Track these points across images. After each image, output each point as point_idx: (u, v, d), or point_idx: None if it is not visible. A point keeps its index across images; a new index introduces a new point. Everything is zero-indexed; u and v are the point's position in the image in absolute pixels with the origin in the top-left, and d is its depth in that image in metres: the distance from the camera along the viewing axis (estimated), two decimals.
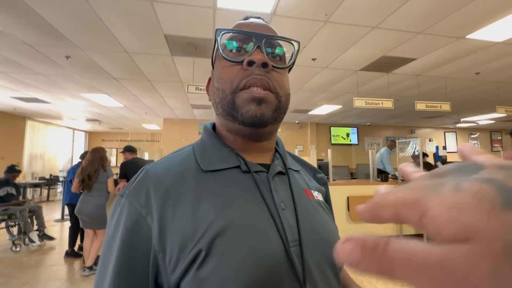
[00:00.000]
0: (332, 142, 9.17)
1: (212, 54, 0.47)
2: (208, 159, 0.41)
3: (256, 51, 0.39)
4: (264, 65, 0.38)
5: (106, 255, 0.35)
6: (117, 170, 3.32)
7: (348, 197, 3.85)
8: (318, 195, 0.48)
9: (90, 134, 11.43)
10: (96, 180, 2.74)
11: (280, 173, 0.44)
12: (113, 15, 2.45)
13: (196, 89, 3.42)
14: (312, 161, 4.26)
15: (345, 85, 4.63)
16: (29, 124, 7.93)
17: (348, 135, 9.40)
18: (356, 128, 9.43)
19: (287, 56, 0.44)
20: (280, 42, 0.43)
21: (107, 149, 3.12)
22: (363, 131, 9.54)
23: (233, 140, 0.43)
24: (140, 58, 3.45)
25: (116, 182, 3.11)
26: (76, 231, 3.26)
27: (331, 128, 9.22)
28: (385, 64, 3.70)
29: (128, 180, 3.09)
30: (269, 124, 0.41)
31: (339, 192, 3.85)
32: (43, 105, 6.13)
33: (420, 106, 4.11)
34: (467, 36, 2.86)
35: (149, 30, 2.73)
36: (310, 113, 7.12)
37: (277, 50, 0.42)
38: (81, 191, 2.74)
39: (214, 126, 0.49)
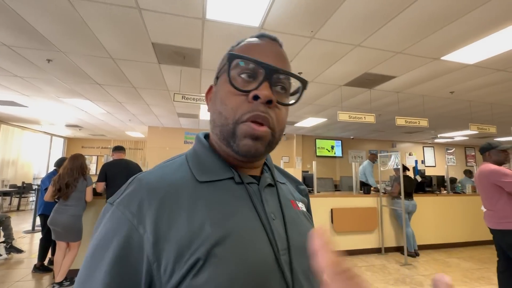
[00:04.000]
0: (317, 154, 9.32)
1: (219, 68, 0.45)
2: (203, 170, 0.41)
3: (264, 85, 0.39)
4: (269, 102, 0.39)
5: (91, 265, 0.33)
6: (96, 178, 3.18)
7: (332, 209, 3.88)
8: (302, 206, 0.51)
9: (69, 140, 10.97)
10: (75, 189, 2.61)
11: (269, 185, 0.46)
12: (100, 20, 2.42)
13: (182, 98, 3.40)
14: (297, 172, 4.28)
15: (330, 99, 4.77)
16: (3, 128, 7.51)
17: (332, 147, 9.60)
18: (340, 141, 9.66)
19: (293, 84, 0.44)
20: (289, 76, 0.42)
21: (87, 157, 3.00)
22: (347, 144, 9.78)
23: (225, 156, 0.44)
24: (126, 64, 3.40)
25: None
26: (47, 244, 3.06)
27: (316, 140, 9.39)
28: (367, 81, 3.86)
29: (108, 184, 2.97)
30: (261, 156, 0.42)
31: (323, 204, 3.89)
32: (19, 109, 5.84)
33: (400, 121, 4.29)
34: (442, 58, 3.05)
35: (136, 38, 2.72)
36: (296, 125, 7.24)
37: (284, 84, 0.42)
38: (56, 200, 2.59)
39: (206, 136, 0.49)
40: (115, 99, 5.03)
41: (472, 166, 10.26)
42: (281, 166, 0.65)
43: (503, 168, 2.13)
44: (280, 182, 0.50)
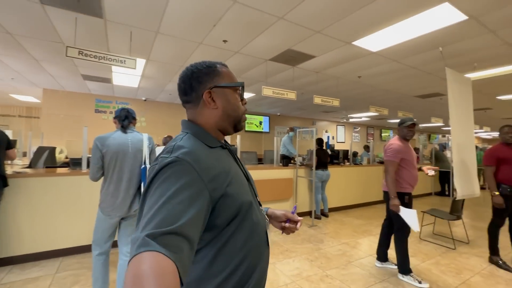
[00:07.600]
0: (246, 129, 9.50)
1: (219, 84, 0.70)
2: (210, 141, 0.68)
3: (243, 95, 0.75)
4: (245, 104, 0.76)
5: (176, 190, 0.53)
6: None
7: None
8: None
9: None
10: None
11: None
12: None
13: (79, 53, 2.76)
14: None
15: (256, 73, 4.76)
16: None
17: (261, 123, 9.92)
18: (268, 117, 10.05)
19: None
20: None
21: None
22: (274, 120, 10.27)
23: (215, 134, 0.71)
24: None
25: None
26: None
27: (246, 115, 9.50)
28: (291, 58, 3.97)
29: None
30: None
31: None
32: None
33: (317, 100, 4.67)
34: (352, 42, 3.35)
35: None
36: None
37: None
38: None
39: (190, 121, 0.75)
40: None
41: (370, 142, 12.35)
42: None
43: (393, 146, 2.42)
44: None
